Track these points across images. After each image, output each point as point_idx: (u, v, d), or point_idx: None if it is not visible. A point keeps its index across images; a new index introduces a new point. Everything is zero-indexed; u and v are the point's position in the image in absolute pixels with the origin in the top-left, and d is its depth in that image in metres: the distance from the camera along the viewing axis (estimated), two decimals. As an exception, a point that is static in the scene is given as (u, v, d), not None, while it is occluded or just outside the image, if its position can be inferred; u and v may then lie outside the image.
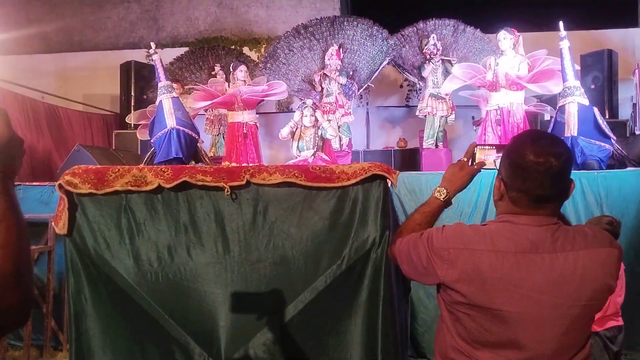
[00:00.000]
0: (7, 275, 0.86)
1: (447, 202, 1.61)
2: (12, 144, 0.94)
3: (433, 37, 6.97)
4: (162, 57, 5.58)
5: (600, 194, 4.03)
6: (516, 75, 5.24)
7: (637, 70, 7.32)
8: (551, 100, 6.65)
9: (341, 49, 7.02)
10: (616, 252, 1.32)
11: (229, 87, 6.37)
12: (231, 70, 6.44)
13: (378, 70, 7.37)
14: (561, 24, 4.83)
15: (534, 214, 1.31)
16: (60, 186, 2.49)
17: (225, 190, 2.47)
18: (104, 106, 8.96)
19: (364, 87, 7.53)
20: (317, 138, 5.67)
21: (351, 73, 7.22)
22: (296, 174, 2.46)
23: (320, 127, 5.67)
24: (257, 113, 6.71)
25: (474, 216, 4.03)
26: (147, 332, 2.58)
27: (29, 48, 9.90)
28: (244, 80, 6.30)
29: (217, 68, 7.40)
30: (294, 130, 5.67)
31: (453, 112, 6.92)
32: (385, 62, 7.29)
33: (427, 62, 6.97)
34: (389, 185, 2.52)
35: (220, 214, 2.55)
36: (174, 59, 7.99)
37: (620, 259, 1.34)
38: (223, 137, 7.11)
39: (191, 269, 2.57)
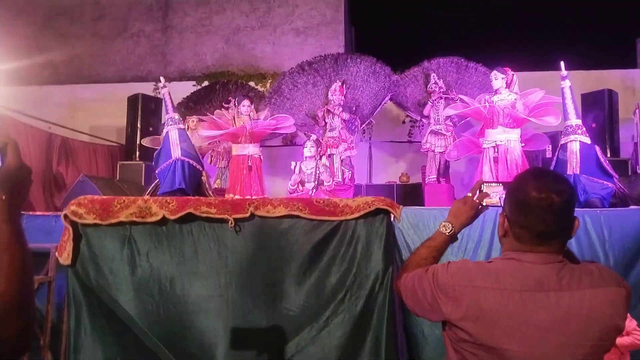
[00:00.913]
0: (10, 305, 0.86)
1: (452, 237, 1.62)
2: (21, 173, 0.95)
3: (434, 76, 7.18)
4: (169, 91, 5.68)
5: (604, 233, 4.02)
6: (515, 110, 5.33)
7: (637, 110, 7.41)
8: (553, 139, 6.72)
9: (344, 85, 7.15)
10: (624, 291, 1.31)
11: (234, 120, 6.46)
12: (236, 104, 6.55)
13: (380, 106, 7.50)
14: (562, 64, 4.93)
15: (539, 251, 1.31)
16: (65, 216, 2.50)
17: (229, 222, 2.48)
18: (110, 137, 9.07)
19: (367, 122, 7.64)
20: (317, 172, 5.72)
21: (354, 108, 7.33)
22: (300, 207, 2.47)
23: (322, 166, 5.73)
24: (261, 146, 6.79)
25: (477, 252, 4.01)
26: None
27: (38, 79, 10.11)
28: (248, 115, 6.40)
29: (231, 103, 7.54)
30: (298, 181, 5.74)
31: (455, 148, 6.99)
32: (387, 98, 7.43)
33: (429, 99, 7.13)
34: (392, 219, 2.52)
35: (224, 246, 2.54)
36: (191, 93, 8.17)
37: (628, 298, 1.32)
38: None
39: (193, 302, 2.55)
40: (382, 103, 7.49)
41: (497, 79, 5.56)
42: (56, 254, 2.57)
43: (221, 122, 6.43)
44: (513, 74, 5.58)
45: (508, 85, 5.53)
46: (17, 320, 0.87)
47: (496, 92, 5.56)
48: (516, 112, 5.31)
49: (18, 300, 0.87)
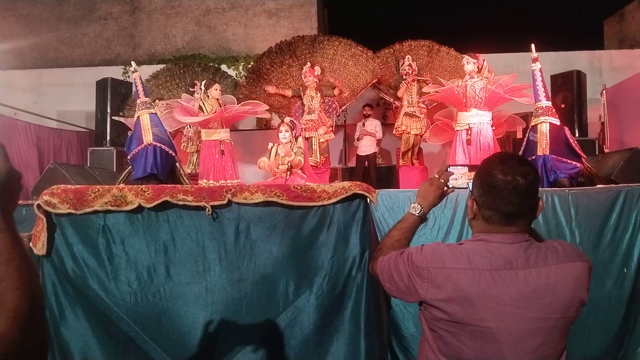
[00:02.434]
0: (25, 316, 0.81)
1: (422, 218, 1.68)
2: (11, 179, 0.91)
3: (408, 58, 7.20)
4: (140, 75, 5.56)
5: (571, 212, 4.13)
6: (495, 86, 5.43)
7: (604, 91, 7.63)
8: (523, 120, 6.86)
9: (314, 67, 7.10)
10: (586, 265, 1.40)
11: (203, 104, 6.37)
12: (203, 88, 6.44)
13: (364, 89, 7.47)
14: (533, 46, 5.00)
15: (506, 232, 1.38)
16: (38, 206, 2.46)
17: (207, 209, 2.47)
18: (79, 123, 8.86)
19: (346, 105, 7.63)
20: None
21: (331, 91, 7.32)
22: (277, 193, 2.48)
23: (295, 148, 5.67)
24: (234, 130, 6.74)
25: (450, 234, 4.09)
26: (127, 354, 2.54)
27: (2, 64, 9.77)
28: (218, 99, 6.31)
29: (197, 86, 7.41)
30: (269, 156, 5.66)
31: (427, 130, 7.07)
32: (374, 81, 7.38)
33: (402, 82, 7.16)
34: (369, 203, 2.55)
35: (201, 234, 2.54)
36: (150, 75, 7.98)
37: (590, 271, 1.41)
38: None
39: (171, 290, 2.54)
40: (365, 87, 7.45)
41: (469, 63, 5.65)
42: (30, 244, 2.52)
43: (189, 106, 6.35)
44: (484, 60, 5.69)
45: (479, 71, 5.63)
46: (34, 333, 0.82)
47: (469, 75, 5.64)
48: (495, 91, 5.41)
49: (31, 311, 0.83)
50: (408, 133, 7.06)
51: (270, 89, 7.22)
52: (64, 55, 10.53)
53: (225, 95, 6.73)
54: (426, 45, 7.45)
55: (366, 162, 7.86)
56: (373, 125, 7.88)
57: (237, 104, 6.36)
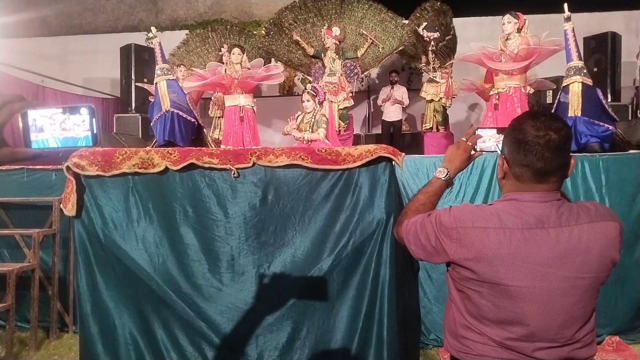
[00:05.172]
0: None
1: (448, 182, 1.65)
2: None
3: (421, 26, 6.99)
4: (162, 40, 5.52)
5: (601, 178, 4.05)
6: (515, 54, 5.24)
7: (640, 53, 7.30)
8: (555, 83, 6.64)
9: (333, 28, 6.92)
10: (618, 225, 1.38)
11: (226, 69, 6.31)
12: (227, 53, 6.39)
13: (388, 56, 7.28)
14: (566, 5, 4.80)
15: (538, 190, 1.36)
16: (67, 168, 2.50)
17: (232, 172, 2.48)
18: (105, 89, 8.93)
19: (369, 69, 7.47)
20: (314, 120, 5.60)
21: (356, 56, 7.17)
22: (302, 156, 2.47)
23: (319, 115, 5.59)
24: (258, 97, 6.67)
25: (475, 199, 4.05)
26: (155, 312, 2.61)
27: (29, 31, 9.84)
28: (239, 63, 6.23)
29: (224, 49, 7.31)
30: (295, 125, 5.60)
31: (448, 97, 6.90)
32: (400, 48, 7.18)
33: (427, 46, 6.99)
34: (395, 167, 2.52)
35: (227, 196, 2.56)
36: (181, 42, 7.92)
37: (621, 232, 1.38)
38: None
39: (197, 251, 2.59)
40: (390, 54, 7.25)
41: (510, 22, 5.35)
42: (60, 205, 2.59)
43: (208, 74, 6.27)
44: (525, 19, 5.40)
45: (519, 31, 5.38)
46: None
47: (505, 37, 5.42)
48: (525, 48, 5.18)
49: None
50: (424, 99, 6.99)
51: (297, 36, 7.08)
52: (87, 21, 10.56)
53: (256, 60, 6.62)
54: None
55: (391, 128, 7.79)
56: (401, 92, 7.79)
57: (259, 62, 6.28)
